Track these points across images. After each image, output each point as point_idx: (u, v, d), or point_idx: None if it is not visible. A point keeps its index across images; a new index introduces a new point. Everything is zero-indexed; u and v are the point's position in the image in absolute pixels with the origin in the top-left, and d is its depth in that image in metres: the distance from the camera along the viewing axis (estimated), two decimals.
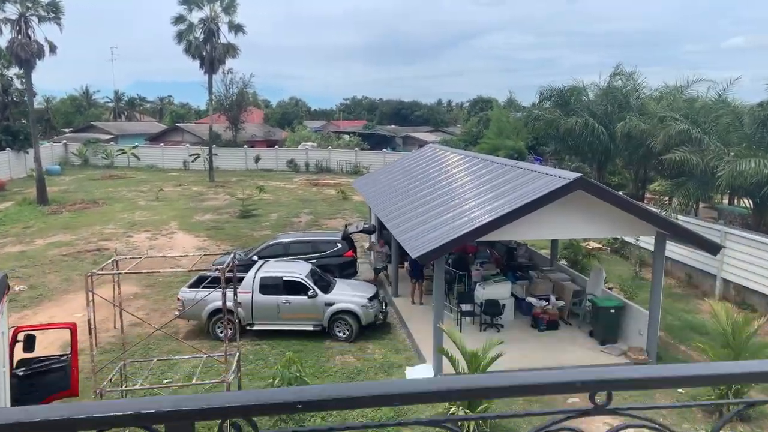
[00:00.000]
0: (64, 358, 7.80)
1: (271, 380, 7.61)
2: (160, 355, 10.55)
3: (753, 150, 14.25)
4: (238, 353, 8.39)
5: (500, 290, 12.35)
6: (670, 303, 13.95)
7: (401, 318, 12.71)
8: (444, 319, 9.96)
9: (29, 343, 7.59)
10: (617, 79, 22.70)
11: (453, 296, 13.04)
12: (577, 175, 9.44)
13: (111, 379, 8.01)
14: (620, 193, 16.91)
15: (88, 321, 7.10)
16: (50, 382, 7.70)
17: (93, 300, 7.11)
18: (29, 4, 25.23)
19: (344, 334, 11.46)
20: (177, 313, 11.17)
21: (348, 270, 14.44)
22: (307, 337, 11.49)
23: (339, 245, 14.56)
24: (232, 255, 8.31)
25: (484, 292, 12.16)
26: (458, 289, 13.06)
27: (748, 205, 16.50)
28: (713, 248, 10.27)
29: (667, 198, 18.45)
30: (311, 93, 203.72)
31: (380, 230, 15.07)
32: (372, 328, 11.86)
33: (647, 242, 15.49)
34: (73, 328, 7.73)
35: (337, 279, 12.88)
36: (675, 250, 15.41)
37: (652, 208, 14.71)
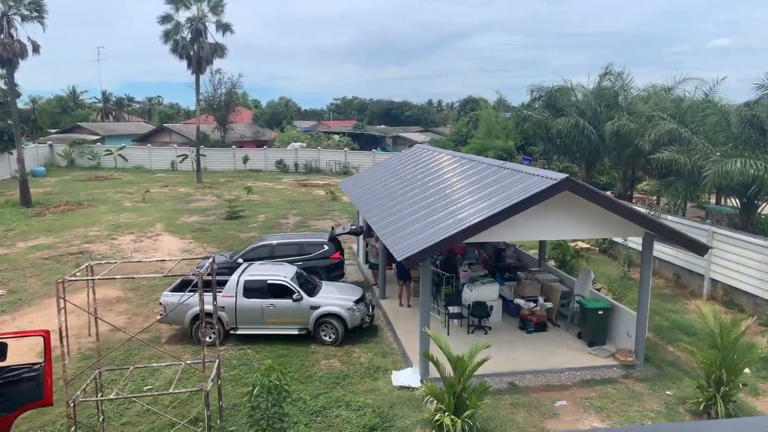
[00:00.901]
0: (38, 366, 7.53)
1: (252, 387, 7.39)
2: (141, 361, 10.29)
3: (739, 150, 14.27)
4: (217, 360, 8.16)
5: (488, 292, 12.22)
6: (658, 303, 13.92)
7: (388, 321, 12.55)
8: (431, 321, 9.82)
9: (0, 352, 7.31)
10: (606, 78, 22.72)
11: (441, 298, 12.91)
12: (564, 175, 9.33)
13: (85, 389, 7.75)
14: (608, 193, 16.81)
15: (60, 329, 6.84)
16: (23, 392, 7.42)
17: (65, 307, 6.85)
18: (11, 3, 24.73)
19: (330, 337, 11.30)
20: (159, 317, 10.92)
21: (335, 272, 14.29)
22: (293, 341, 11.30)
23: (326, 247, 14.39)
24: (210, 259, 8.07)
25: (471, 294, 12.03)
26: (445, 290, 12.92)
27: (735, 205, 16.54)
28: (700, 249, 10.21)
29: (655, 198, 18.46)
30: (302, 94, 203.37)
31: (370, 229, 14.94)
32: (359, 331, 11.69)
33: (636, 242, 15.46)
34: (46, 336, 7.46)
35: (323, 281, 12.71)
36: (663, 250, 15.38)
37: (640, 209, 14.67)
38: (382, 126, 64.68)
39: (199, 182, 34.28)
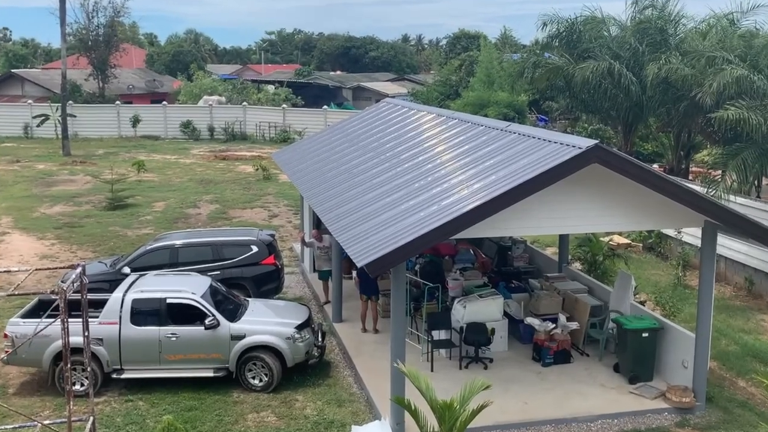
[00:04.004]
0: None
1: None
2: None
3: None
4: (92, 417, 7.93)
5: (488, 309, 12.33)
6: (724, 320, 14.33)
7: (346, 354, 12.60)
8: (408, 353, 9.85)
9: None
10: (648, 3, 23.06)
11: (421, 319, 12.98)
12: (592, 142, 9.44)
13: None
14: (655, 166, 17.06)
15: None
16: None
17: None
18: None
19: (261, 380, 11.32)
20: (4, 356, 10.58)
21: (269, 285, 14.31)
22: (207, 386, 11.22)
23: (254, 248, 14.36)
24: (79, 268, 7.80)
25: (465, 312, 12.12)
26: (428, 308, 13.01)
27: None
28: None
29: (718, 173, 19.01)
30: (220, 26, 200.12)
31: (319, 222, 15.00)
32: (303, 369, 11.69)
33: (694, 235, 15.85)
34: None
35: (250, 299, 12.72)
36: (731, 245, 15.81)
37: (698, 187, 15.01)
38: (338, 72, 64.62)
39: (66, 155, 33.95)
